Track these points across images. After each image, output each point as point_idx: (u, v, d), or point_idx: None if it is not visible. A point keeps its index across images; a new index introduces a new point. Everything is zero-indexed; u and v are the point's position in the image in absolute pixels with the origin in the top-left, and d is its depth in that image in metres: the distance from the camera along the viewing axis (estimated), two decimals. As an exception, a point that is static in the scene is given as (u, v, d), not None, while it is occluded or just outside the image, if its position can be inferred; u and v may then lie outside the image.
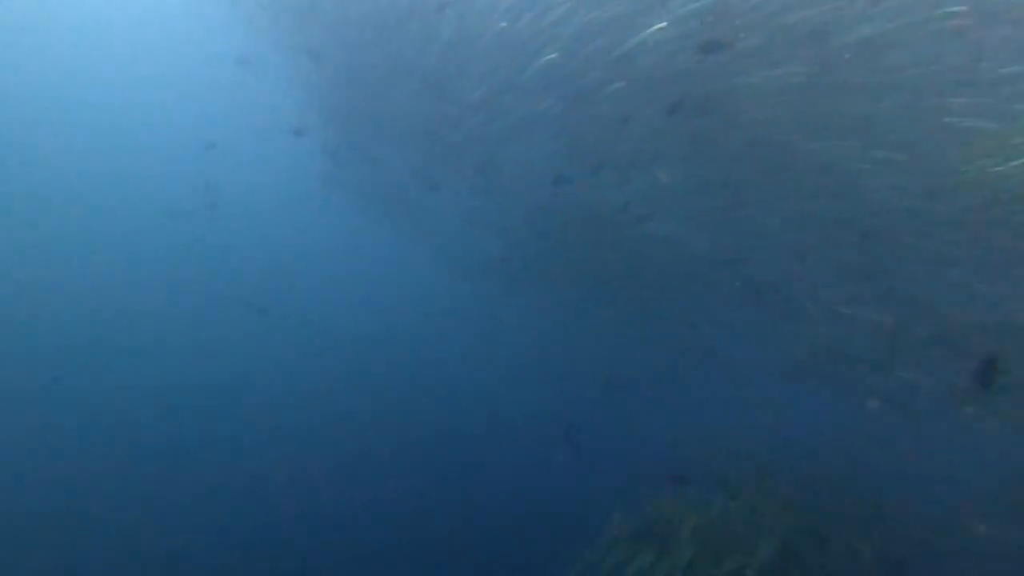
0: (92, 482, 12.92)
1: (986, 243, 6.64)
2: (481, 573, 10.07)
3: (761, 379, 9.18)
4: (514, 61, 9.21)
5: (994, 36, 5.65)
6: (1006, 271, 6.85)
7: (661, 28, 6.62)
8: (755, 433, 8.01)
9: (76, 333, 20.51)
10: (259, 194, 27.89)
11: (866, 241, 7.39)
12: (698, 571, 5.94)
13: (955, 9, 5.47)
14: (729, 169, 7.65)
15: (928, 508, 7.31)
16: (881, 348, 7.66)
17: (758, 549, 5.72)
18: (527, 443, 12.62)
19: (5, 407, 14.96)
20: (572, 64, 8.07)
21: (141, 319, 21.12)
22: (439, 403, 16.33)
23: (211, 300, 22.46)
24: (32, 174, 27.39)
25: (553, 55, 7.80)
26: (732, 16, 6.32)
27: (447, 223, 14.94)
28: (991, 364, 5.37)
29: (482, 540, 10.49)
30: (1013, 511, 7.39)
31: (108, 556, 10.91)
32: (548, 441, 10.90)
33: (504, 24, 8.63)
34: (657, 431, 10.30)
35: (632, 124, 8.01)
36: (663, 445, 9.43)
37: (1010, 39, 5.66)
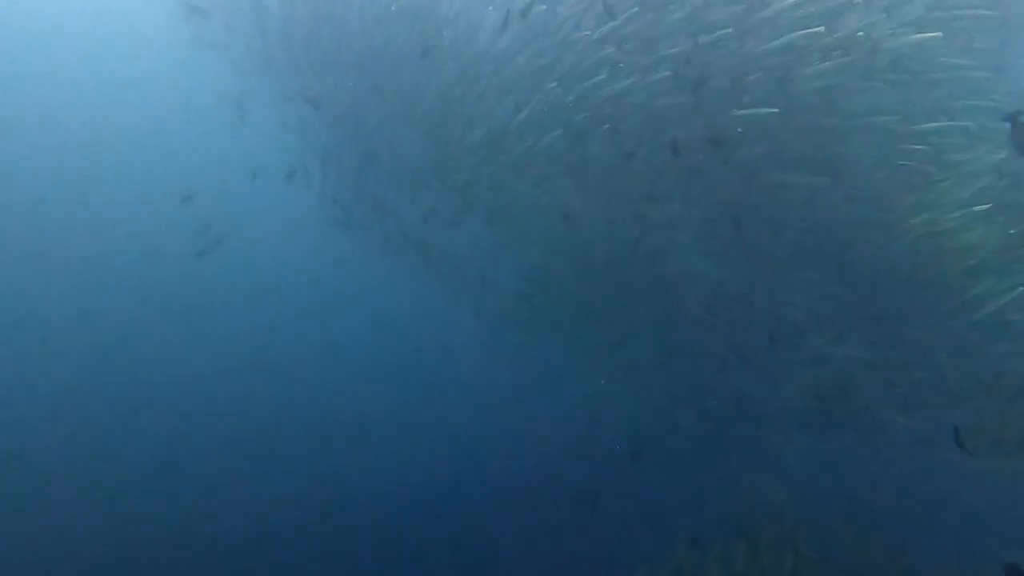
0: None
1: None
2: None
3: (779, 424, 9.33)
4: (510, 102, 9.73)
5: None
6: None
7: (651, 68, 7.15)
8: (776, 482, 8.19)
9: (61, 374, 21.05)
10: (258, 242, 28.66)
11: (847, 277, 7.76)
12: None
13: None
14: (731, 204, 8.03)
15: (946, 559, 7.43)
16: (881, 392, 7.92)
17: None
18: (547, 496, 12.81)
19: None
20: (567, 104, 8.53)
21: (134, 380, 21.57)
22: (459, 449, 16.59)
23: (212, 350, 22.94)
24: (21, 217, 28.29)
25: (542, 97, 8.29)
26: (714, 58, 6.86)
27: (461, 263, 15.40)
28: (959, 434, 5.80)
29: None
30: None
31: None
32: (569, 494, 11.06)
33: (492, 68, 9.15)
34: (680, 481, 10.47)
35: (636, 160, 8.41)
36: (686, 496, 9.59)
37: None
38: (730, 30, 6.79)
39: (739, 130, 7.29)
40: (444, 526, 13.85)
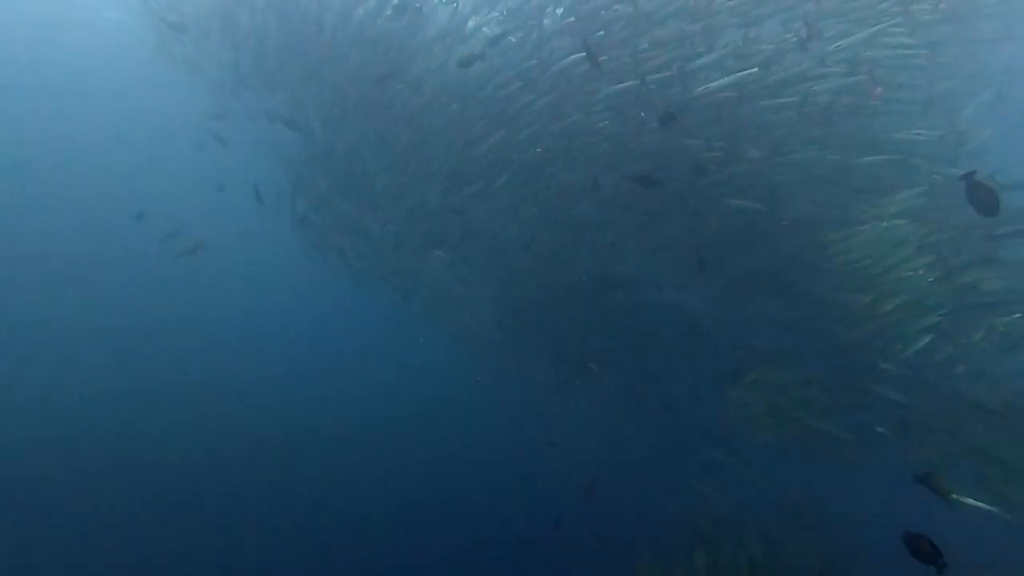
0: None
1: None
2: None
3: (737, 445, 9.96)
4: (476, 130, 10.48)
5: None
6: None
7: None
8: (732, 496, 8.89)
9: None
10: (229, 262, 29.24)
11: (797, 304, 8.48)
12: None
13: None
14: (695, 232, 8.77)
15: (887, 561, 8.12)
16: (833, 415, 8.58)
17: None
18: (517, 515, 13.58)
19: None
20: (525, 137, 9.28)
21: (107, 401, 21.97)
22: (431, 468, 17.23)
23: (183, 378, 23.37)
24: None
25: (501, 132, 9.03)
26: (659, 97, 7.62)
27: (433, 288, 16.04)
28: (926, 478, 6.36)
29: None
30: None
31: None
32: (540, 513, 11.72)
33: (456, 106, 9.90)
34: (646, 498, 11.22)
35: (601, 189, 9.13)
36: (652, 511, 10.36)
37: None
38: (671, 73, 7.59)
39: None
40: (417, 543, 14.62)
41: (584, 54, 8.61)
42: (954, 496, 7.24)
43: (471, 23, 11.36)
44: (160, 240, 25.20)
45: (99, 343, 24.84)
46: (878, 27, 7.35)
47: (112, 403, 21.18)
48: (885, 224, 7.00)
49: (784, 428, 8.09)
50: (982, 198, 5.93)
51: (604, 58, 8.29)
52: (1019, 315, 7.08)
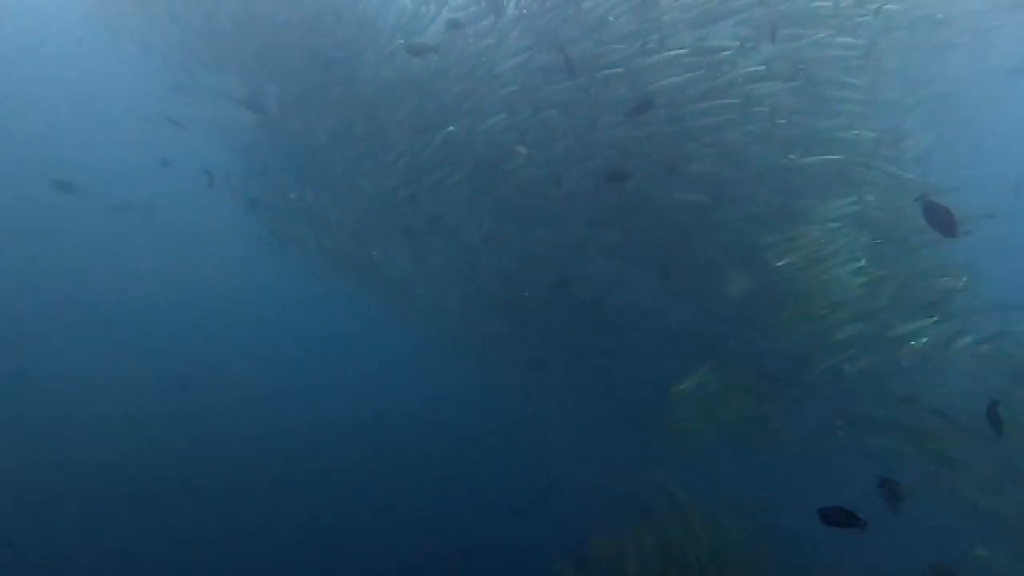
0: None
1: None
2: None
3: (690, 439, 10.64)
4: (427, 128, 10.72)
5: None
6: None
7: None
8: (683, 485, 9.57)
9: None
10: (184, 252, 28.99)
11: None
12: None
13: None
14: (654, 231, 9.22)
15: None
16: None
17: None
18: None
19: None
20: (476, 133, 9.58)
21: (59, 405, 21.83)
22: (394, 463, 17.77)
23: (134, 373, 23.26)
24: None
25: (452, 128, 9.34)
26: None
27: (392, 281, 16.33)
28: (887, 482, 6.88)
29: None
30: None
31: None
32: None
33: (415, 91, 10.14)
34: (601, 485, 12.02)
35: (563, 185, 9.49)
36: (606, 497, 11.18)
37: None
38: (622, 70, 7.96)
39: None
40: (383, 534, 15.22)
41: (546, 49, 8.94)
42: (906, 501, 7.78)
43: (432, 7, 11.52)
44: (109, 211, 24.82)
45: (36, 329, 24.62)
46: (824, 33, 7.82)
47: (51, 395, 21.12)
48: (826, 226, 7.51)
49: (725, 423, 8.66)
50: (940, 219, 6.24)
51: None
52: (936, 318, 7.70)
